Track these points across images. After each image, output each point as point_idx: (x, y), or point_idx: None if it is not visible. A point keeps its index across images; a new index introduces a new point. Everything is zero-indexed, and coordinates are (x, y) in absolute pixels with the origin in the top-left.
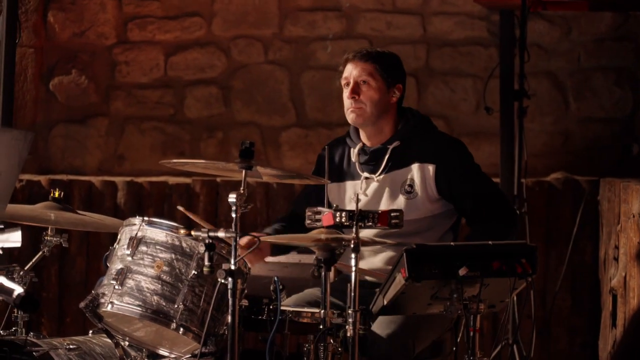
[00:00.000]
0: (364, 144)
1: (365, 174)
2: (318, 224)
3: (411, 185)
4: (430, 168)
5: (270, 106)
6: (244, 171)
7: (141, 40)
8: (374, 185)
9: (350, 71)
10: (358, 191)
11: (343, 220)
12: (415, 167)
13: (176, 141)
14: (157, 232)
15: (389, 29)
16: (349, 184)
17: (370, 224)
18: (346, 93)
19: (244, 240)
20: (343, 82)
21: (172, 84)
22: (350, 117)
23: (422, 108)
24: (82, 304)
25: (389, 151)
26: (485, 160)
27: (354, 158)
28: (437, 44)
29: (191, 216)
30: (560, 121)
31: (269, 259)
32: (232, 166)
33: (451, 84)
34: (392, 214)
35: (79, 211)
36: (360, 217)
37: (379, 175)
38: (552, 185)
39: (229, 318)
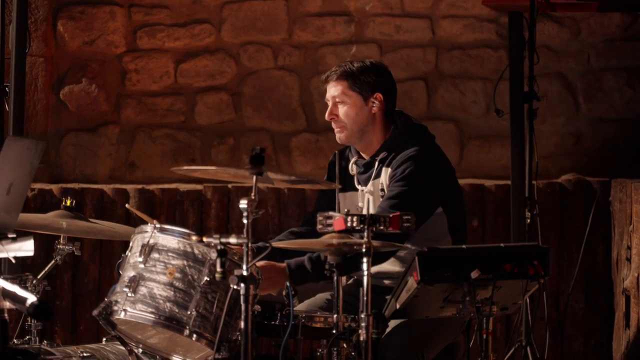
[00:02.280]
0: (358, 157)
1: (360, 187)
2: (329, 228)
3: (383, 190)
4: (388, 172)
5: (280, 112)
6: (254, 177)
7: (151, 48)
8: (366, 196)
9: (328, 92)
10: (357, 203)
11: (354, 224)
12: (383, 171)
13: (187, 148)
14: (169, 239)
15: (398, 33)
16: (350, 195)
17: (381, 227)
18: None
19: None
20: (327, 102)
21: (183, 91)
22: (336, 137)
23: (432, 111)
24: (95, 312)
25: (376, 162)
26: (496, 163)
27: (351, 171)
28: (446, 47)
29: (138, 214)
30: (571, 122)
31: None
32: (243, 172)
33: (461, 87)
34: (404, 217)
35: (91, 219)
36: (372, 221)
37: (365, 186)
38: (563, 187)
39: (242, 324)
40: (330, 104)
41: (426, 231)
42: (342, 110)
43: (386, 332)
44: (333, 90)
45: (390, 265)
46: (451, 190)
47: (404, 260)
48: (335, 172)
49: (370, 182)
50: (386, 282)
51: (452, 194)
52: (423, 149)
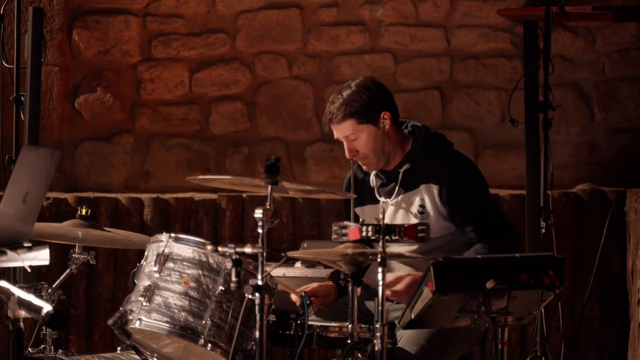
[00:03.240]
0: (380, 169)
1: (382, 199)
2: (344, 238)
3: (422, 206)
4: (435, 189)
5: (295, 121)
6: (269, 187)
7: (166, 57)
8: (390, 209)
9: (336, 133)
10: (378, 215)
11: (369, 234)
12: (423, 188)
13: (202, 157)
14: (184, 248)
15: (413, 42)
16: (369, 208)
17: (396, 237)
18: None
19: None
20: (338, 139)
21: (197, 100)
22: (363, 168)
23: (447, 121)
24: (110, 321)
25: (400, 174)
26: (511, 172)
27: (372, 183)
28: (461, 56)
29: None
30: (586, 132)
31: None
32: (258, 182)
33: (476, 97)
34: (418, 227)
35: (105, 228)
36: (387, 231)
37: (393, 199)
38: (578, 197)
39: (257, 333)
40: (345, 142)
41: (455, 240)
42: (359, 144)
43: (400, 343)
44: (343, 130)
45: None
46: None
47: (421, 270)
48: (355, 184)
49: (400, 196)
50: None
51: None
52: (456, 153)
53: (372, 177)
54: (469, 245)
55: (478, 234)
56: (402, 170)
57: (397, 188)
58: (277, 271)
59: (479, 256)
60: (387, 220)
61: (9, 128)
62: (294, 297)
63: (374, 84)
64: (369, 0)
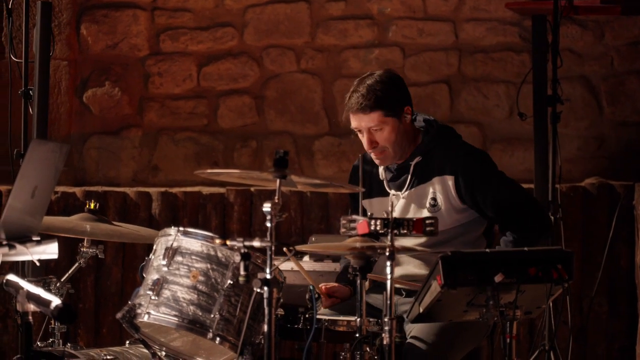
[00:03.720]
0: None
1: (393, 191)
2: (353, 232)
3: (434, 199)
4: (450, 180)
5: (303, 115)
6: (278, 180)
7: (174, 51)
8: (401, 202)
9: (359, 122)
10: (387, 208)
11: (378, 228)
12: (436, 180)
13: (210, 151)
14: (193, 242)
15: (421, 36)
16: (378, 201)
17: (405, 231)
18: (363, 141)
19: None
20: (355, 129)
21: (205, 94)
22: (376, 162)
23: (455, 114)
24: (118, 315)
25: (411, 167)
26: (520, 166)
27: (381, 176)
28: (470, 50)
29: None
30: (594, 126)
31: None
32: (266, 176)
33: (484, 90)
34: (426, 221)
35: (114, 222)
36: (395, 224)
37: (405, 191)
38: (587, 191)
39: (265, 327)
40: (364, 133)
41: (465, 232)
42: (381, 137)
43: (409, 337)
44: (368, 121)
45: (416, 269)
46: None
47: (430, 264)
48: (358, 175)
49: (413, 189)
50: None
51: None
52: (466, 145)
53: (380, 170)
54: (486, 234)
55: (505, 219)
56: (413, 163)
57: (408, 181)
58: (285, 265)
59: (487, 250)
60: (398, 214)
61: (17, 122)
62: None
63: (398, 78)
64: None
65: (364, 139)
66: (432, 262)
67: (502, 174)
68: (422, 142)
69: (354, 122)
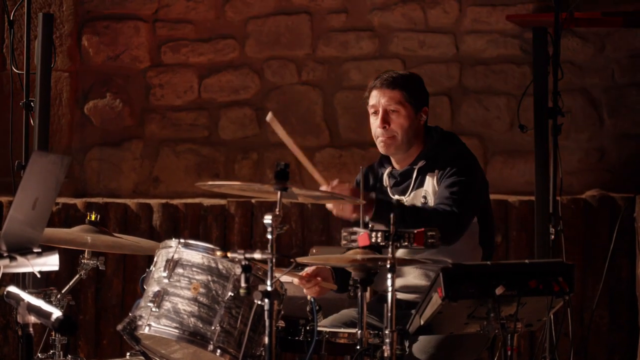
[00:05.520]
0: (392, 167)
1: (396, 197)
2: (354, 244)
3: (425, 197)
4: (437, 175)
5: (304, 127)
6: (279, 193)
7: (175, 63)
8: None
9: (378, 99)
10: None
11: (379, 240)
12: (427, 179)
13: (211, 163)
14: (193, 254)
15: (422, 49)
16: None
17: (406, 243)
18: (375, 121)
19: (310, 270)
20: (370, 109)
21: (206, 106)
22: (380, 146)
23: (456, 127)
24: (119, 327)
25: (415, 171)
26: (520, 179)
27: (385, 183)
28: (470, 62)
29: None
30: (595, 138)
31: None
32: (267, 188)
33: (485, 103)
34: (428, 234)
35: (115, 234)
36: (396, 237)
37: (408, 196)
38: (587, 203)
39: (266, 339)
40: (380, 111)
41: (460, 241)
42: (394, 119)
43: (409, 349)
44: (388, 97)
45: (416, 279)
46: (486, 199)
47: (429, 274)
48: (366, 187)
49: (413, 192)
50: (410, 296)
51: (486, 203)
52: (465, 148)
53: (385, 177)
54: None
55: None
56: (417, 167)
57: (412, 185)
58: (286, 277)
59: (488, 262)
60: None
61: (18, 134)
62: (296, 281)
63: (423, 81)
64: (378, 7)
65: (377, 119)
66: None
67: (470, 178)
68: (425, 147)
69: (374, 99)
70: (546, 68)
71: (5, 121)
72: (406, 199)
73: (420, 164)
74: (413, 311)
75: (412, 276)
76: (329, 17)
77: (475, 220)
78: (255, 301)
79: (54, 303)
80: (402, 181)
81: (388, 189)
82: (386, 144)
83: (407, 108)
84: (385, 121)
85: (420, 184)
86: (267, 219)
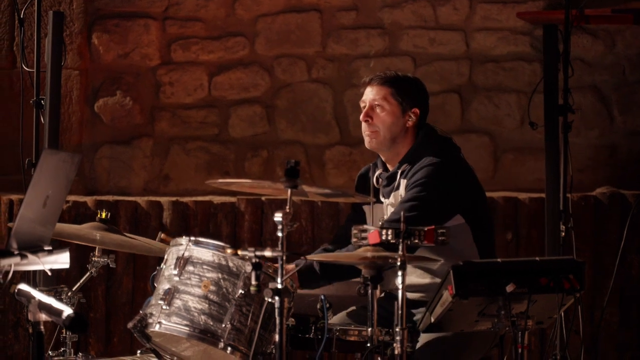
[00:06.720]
0: (382, 169)
1: (383, 199)
2: (364, 242)
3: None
4: (404, 183)
5: (314, 124)
6: (289, 190)
7: (185, 60)
8: (389, 209)
9: (367, 94)
10: (380, 215)
11: (389, 237)
12: (401, 183)
13: (221, 161)
14: (204, 251)
15: (432, 46)
16: (376, 208)
17: (416, 241)
18: (361, 116)
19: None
20: (361, 104)
21: (216, 103)
22: (365, 140)
23: (466, 124)
24: (130, 324)
25: (398, 175)
26: (531, 176)
27: (377, 184)
28: (481, 59)
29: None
30: (605, 135)
31: None
32: (277, 185)
33: (495, 100)
34: (438, 231)
35: (126, 234)
36: (407, 234)
37: (390, 199)
38: (598, 200)
39: (277, 337)
40: (366, 105)
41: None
42: (377, 114)
43: (418, 346)
44: (375, 93)
45: (419, 278)
46: (472, 200)
47: (432, 273)
48: (363, 185)
49: (392, 195)
50: (413, 295)
51: (474, 204)
52: (437, 158)
53: (375, 178)
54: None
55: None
56: (400, 171)
57: (394, 188)
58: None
59: (498, 260)
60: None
61: (29, 132)
62: (290, 266)
63: (423, 87)
64: (388, 4)
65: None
66: (434, 271)
67: (431, 193)
68: (410, 150)
69: (364, 95)
70: (556, 65)
71: (16, 119)
72: (387, 202)
73: (403, 167)
74: (414, 310)
75: (414, 275)
76: (338, 15)
77: (463, 221)
78: (266, 299)
79: (64, 301)
80: (388, 184)
81: (380, 190)
82: (369, 138)
83: (393, 105)
84: (369, 115)
85: (397, 186)
86: (278, 217)
